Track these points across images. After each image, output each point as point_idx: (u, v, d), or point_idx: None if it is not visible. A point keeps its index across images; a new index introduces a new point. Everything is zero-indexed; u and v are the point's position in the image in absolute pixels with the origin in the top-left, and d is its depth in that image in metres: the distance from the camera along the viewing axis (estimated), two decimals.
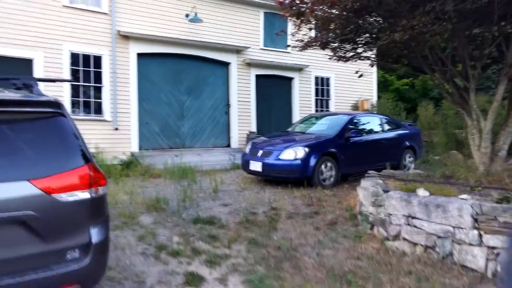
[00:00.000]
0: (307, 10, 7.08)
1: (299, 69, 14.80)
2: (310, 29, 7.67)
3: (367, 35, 6.78)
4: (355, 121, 9.41)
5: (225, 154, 11.96)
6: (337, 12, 6.42)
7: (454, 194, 5.21)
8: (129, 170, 9.94)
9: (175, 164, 9.79)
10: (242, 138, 13.26)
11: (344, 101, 16.09)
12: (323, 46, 7.55)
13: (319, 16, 6.89)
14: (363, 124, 9.60)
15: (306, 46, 7.77)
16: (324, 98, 15.87)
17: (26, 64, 9.76)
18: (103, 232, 2.96)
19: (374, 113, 11.93)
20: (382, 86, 21.96)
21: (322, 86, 15.78)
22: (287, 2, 7.38)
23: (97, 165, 3.00)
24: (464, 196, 5.04)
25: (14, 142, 2.69)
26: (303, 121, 10.72)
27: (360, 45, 7.19)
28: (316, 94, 15.66)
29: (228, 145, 13.27)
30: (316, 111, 15.43)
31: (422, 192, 5.27)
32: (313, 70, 15.23)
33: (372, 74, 16.36)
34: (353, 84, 15.77)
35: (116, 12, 11.04)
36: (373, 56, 8.23)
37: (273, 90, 14.46)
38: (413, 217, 5.12)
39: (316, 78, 15.53)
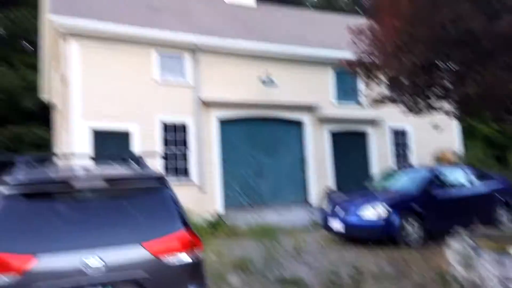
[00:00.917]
0: (375, 69, 7.35)
1: (374, 122, 14.80)
2: (380, 85, 7.87)
3: (439, 88, 6.83)
4: (438, 175, 9.16)
5: (304, 212, 12.11)
6: (405, 68, 6.60)
7: None
8: (215, 229, 10.47)
9: (257, 223, 10.14)
10: (320, 195, 13.35)
11: (425, 153, 15.59)
12: (394, 101, 7.69)
13: (387, 73, 7.11)
14: (448, 178, 9.29)
15: (377, 102, 7.95)
16: (403, 150, 15.55)
17: (124, 135, 11.00)
18: None
19: (459, 165, 11.45)
20: (468, 133, 20.89)
21: (400, 138, 15.54)
22: (353, 62, 7.72)
23: (193, 229, 3.44)
24: None
25: (126, 211, 3.24)
26: (383, 176, 10.62)
27: (432, 98, 7.22)
28: (394, 147, 15.42)
29: (306, 202, 13.40)
30: (395, 164, 15.12)
31: None
32: (389, 122, 15.11)
33: (454, 123, 15.80)
34: (434, 134, 15.21)
35: (199, 83, 12.14)
36: (450, 106, 8.12)
37: (349, 144, 14.54)
38: (508, 278, 4.88)
39: (393, 130, 15.37)
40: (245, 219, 10.66)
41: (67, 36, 10.75)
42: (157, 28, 11.90)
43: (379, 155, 15.00)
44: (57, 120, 14.94)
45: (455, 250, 5.78)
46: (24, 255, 2.82)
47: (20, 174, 3.30)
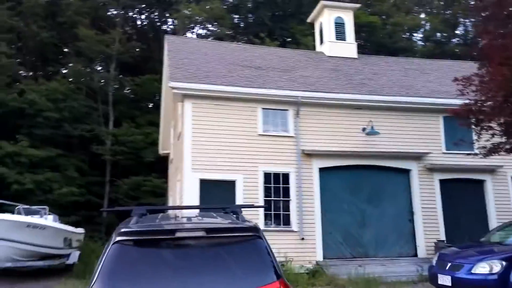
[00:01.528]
0: (485, 117, 7.04)
1: (491, 170, 13.66)
2: (493, 135, 7.45)
3: None
4: None
5: (412, 265, 11.43)
6: None
7: None
8: (314, 279, 10.44)
9: (359, 274, 9.87)
10: (429, 247, 12.52)
11: None
12: (510, 151, 7.20)
13: (497, 124, 6.76)
14: None
15: (490, 152, 7.52)
16: None
17: (230, 184, 11.79)
18: None
19: None
20: None
21: None
22: (461, 110, 7.49)
23: (286, 280, 3.60)
24: None
25: (223, 261, 3.48)
26: (500, 229, 9.69)
27: None
28: None
29: (415, 255, 12.65)
30: None
31: None
32: (509, 170, 13.82)
33: None
34: None
35: (300, 134, 12.62)
36: None
37: (462, 194, 13.54)
38: None
39: None
40: (346, 270, 10.44)
41: (183, 98, 12.15)
42: (261, 87, 12.83)
43: (499, 206, 13.67)
44: (172, 171, 16.54)
45: None
46: None
47: (133, 224, 3.73)
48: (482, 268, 7.45)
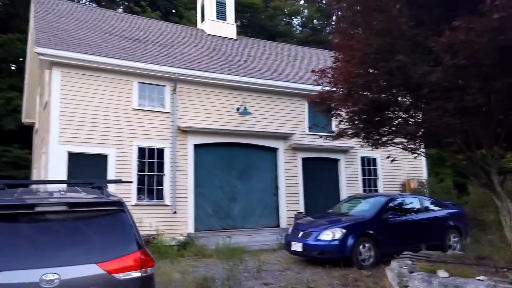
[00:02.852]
0: (334, 107, 8.11)
1: (344, 151, 15.58)
2: (340, 121, 8.61)
3: (387, 127, 7.61)
4: (393, 202, 9.88)
5: (274, 234, 12.62)
6: (356, 109, 7.36)
7: (472, 276, 5.56)
8: (185, 250, 10.92)
9: (226, 245, 10.63)
10: (290, 218, 13.91)
11: (392, 180, 16.41)
12: (353, 136, 8.44)
13: (344, 112, 7.88)
14: (402, 205, 10.02)
15: (338, 136, 8.69)
16: (372, 177, 16.33)
17: (102, 158, 11.50)
18: None
19: (414, 194, 12.28)
20: (439, 162, 21.80)
21: (369, 166, 16.33)
22: (317, 100, 8.50)
23: (147, 250, 3.94)
24: (481, 277, 5.39)
25: (86, 234, 3.69)
26: (346, 201, 11.30)
27: (384, 135, 7.98)
28: (363, 174, 16.19)
29: (278, 226, 13.95)
30: (364, 190, 15.86)
31: (442, 273, 5.67)
32: (359, 151, 15.90)
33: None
34: (401, 163, 15.94)
35: (177, 111, 12.79)
36: (404, 141, 8.89)
37: (320, 171, 15.23)
38: None
39: (363, 158, 16.16)
40: (215, 241, 11.13)
41: (51, 65, 11.33)
42: (138, 60, 12.58)
43: (350, 182, 15.72)
44: (37, 142, 15.37)
45: (393, 270, 6.40)
46: None
47: None
48: (327, 235, 8.72)
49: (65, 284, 3.37)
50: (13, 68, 24.41)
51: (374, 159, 16.30)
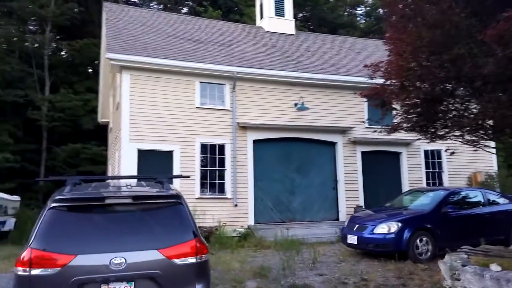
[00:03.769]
0: (388, 101, 8.13)
1: (406, 144, 15.24)
2: (396, 115, 8.59)
3: (442, 121, 7.50)
4: (454, 196, 9.65)
5: (332, 228, 12.78)
6: (410, 102, 7.35)
7: None
8: (245, 241, 11.48)
9: (284, 237, 11.01)
10: (350, 212, 13.92)
11: (458, 174, 15.78)
12: (408, 130, 8.40)
13: (400, 106, 7.88)
14: (463, 198, 9.74)
15: (393, 130, 8.68)
16: (436, 170, 15.83)
17: (168, 154, 12.36)
18: (205, 287, 4.25)
19: (478, 188, 11.82)
20: None
21: (433, 159, 15.83)
22: (370, 94, 8.55)
23: (202, 238, 4.40)
24: None
25: (148, 223, 4.20)
26: (404, 196, 11.18)
27: (439, 128, 7.86)
28: (427, 167, 15.74)
29: (337, 219, 14.06)
30: (427, 184, 15.42)
31: (494, 267, 5.61)
32: (422, 144, 15.45)
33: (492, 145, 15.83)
34: (468, 156, 15.39)
35: (236, 108, 13.34)
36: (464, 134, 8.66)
37: (381, 165, 15.06)
38: None
39: (426, 151, 15.71)
40: (274, 233, 11.53)
41: (121, 69, 12.35)
42: (199, 61, 13.28)
43: (412, 175, 15.38)
44: (111, 140, 16.74)
45: (446, 264, 6.38)
46: (65, 255, 3.81)
47: (66, 192, 4.28)
48: (382, 229, 8.77)
49: (130, 267, 3.89)
50: (89, 71, 26.54)
51: (438, 152, 15.76)
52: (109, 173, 16.64)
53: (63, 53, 26.72)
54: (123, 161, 11.92)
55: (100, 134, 20.83)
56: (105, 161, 19.61)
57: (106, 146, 19.60)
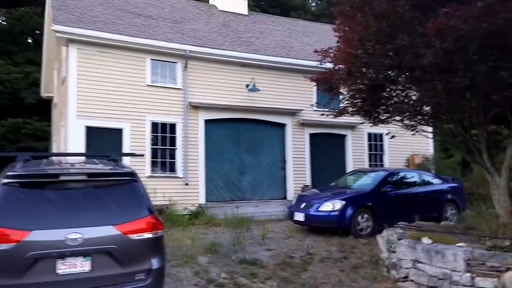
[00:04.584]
0: (335, 85, 8.53)
1: (352, 127, 15.96)
2: (342, 99, 9.02)
3: (384, 106, 8.02)
4: (393, 176, 10.39)
5: (281, 206, 13.28)
6: (355, 88, 7.78)
7: (454, 242, 6.09)
8: (196, 219, 11.66)
9: (235, 215, 11.31)
10: (297, 191, 14.48)
11: (398, 156, 16.81)
12: (353, 114, 8.87)
13: (346, 91, 8.31)
14: (401, 178, 10.51)
15: (339, 114, 9.13)
16: (378, 152, 16.76)
17: (118, 132, 12.16)
18: (160, 261, 4.37)
19: (415, 169, 12.75)
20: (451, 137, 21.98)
21: (375, 141, 16.73)
22: (320, 78, 8.92)
23: (157, 214, 4.53)
24: (460, 244, 5.92)
25: (103, 200, 4.25)
26: (348, 176, 11.83)
27: (381, 113, 8.40)
28: (370, 149, 16.62)
29: (285, 198, 14.58)
30: (370, 165, 16.32)
31: (426, 240, 6.21)
32: (366, 128, 16.24)
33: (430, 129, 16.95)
34: (408, 139, 16.33)
35: (188, 87, 13.31)
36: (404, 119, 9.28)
37: (327, 146, 15.71)
38: (418, 262, 6.07)
39: (369, 134, 16.54)
40: (224, 211, 11.78)
41: (68, 42, 11.87)
42: (150, 37, 13.02)
43: (356, 157, 16.19)
44: (56, 116, 16.11)
45: (383, 238, 6.96)
46: (20, 231, 3.80)
47: (18, 168, 4.23)
48: (327, 207, 9.31)
49: (87, 242, 3.95)
50: (29, 41, 25.01)
51: (380, 135, 16.65)
52: (54, 150, 16.07)
53: (0, 20, 24.96)
54: (70, 138, 11.60)
55: (43, 109, 19.92)
56: (47, 137, 18.85)
57: (50, 122, 18.82)
